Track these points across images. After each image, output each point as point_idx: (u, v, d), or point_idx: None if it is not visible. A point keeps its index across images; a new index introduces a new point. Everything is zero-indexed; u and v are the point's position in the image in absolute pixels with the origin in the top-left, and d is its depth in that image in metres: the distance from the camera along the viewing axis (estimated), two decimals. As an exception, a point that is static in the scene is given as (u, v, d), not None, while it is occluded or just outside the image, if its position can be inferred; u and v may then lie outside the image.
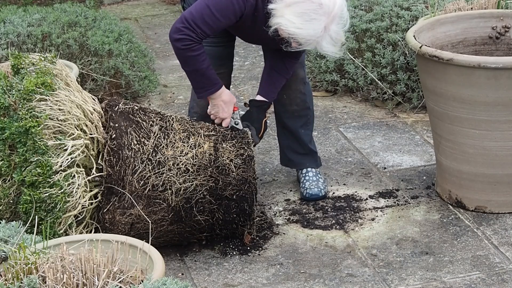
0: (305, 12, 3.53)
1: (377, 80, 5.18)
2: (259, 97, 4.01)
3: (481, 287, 3.47)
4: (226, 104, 3.85)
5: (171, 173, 3.60)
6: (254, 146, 3.89)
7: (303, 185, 4.20)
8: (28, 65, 3.57)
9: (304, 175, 4.23)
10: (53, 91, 3.45)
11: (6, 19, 5.45)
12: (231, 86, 5.58)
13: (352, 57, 5.26)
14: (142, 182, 3.57)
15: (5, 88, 3.47)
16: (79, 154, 3.44)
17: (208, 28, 3.64)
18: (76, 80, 3.97)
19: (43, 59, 3.61)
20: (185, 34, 3.62)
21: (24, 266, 2.66)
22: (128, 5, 7.78)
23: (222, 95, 3.84)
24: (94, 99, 3.68)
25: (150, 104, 5.39)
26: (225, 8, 3.65)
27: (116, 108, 3.68)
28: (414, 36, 3.97)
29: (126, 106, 3.71)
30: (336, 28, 3.59)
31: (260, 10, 3.66)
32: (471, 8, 4.62)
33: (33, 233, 2.91)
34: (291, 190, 4.29)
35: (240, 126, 3.88)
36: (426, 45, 3.88)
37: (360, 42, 5.28)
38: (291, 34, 3.55)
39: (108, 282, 2.63)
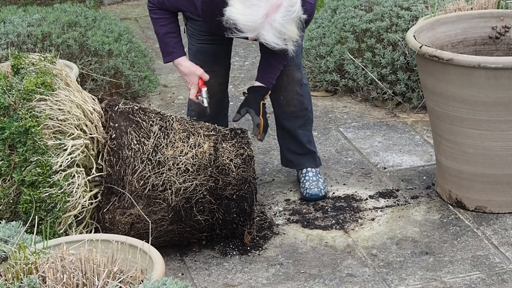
0: None
1: (377, 80, 5.18)
2: (256, 83, 4.01)
3: (481, 287, 3.47)
4: (187, 76, 3.98)
5: (171, 173, 3.60)
6: (258, 126, 3.97)
7: (303, 185, 4.20)
8: (28, 65, 3.57)
9: (304, 175, 4.23)
10: (53, 91, 3.45)
11: (6, 19, 5.45)
12: (231, 86, 5.60)
13: (352, 57, 5.26)
14: (142, 182, 3.57)
15: (5, 88, 3.47)
16: (79, 154, 3.44)
17: (166, 1, 3.87)
18: (76, 80, 3.97)
19: (43, 59, 3.61)
20: None
21: (24, 266, 2.66)
22: (128, 5, 7.78)
23: (179, 66, 3.97)
24: (94, 99, 3.68)
25: (150, 104, 5.39)
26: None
27: (116, 108, 3.68)
28: (414, 36, 3.97)
29: (126, 106, 3.71)
30: (280, 19, 3.53)
31: (220, 5, 3.66)
32: (471, 8, 4.62)
33: (33, 233, 2.91)
34: (291, 190, 4.29)
35: (205, 104, 3.95)
36: (426, 45, 3.88)
37: (360, 42, 5.28)
38: (233, 20, 3.54)
39: (108, 282, 2.63)
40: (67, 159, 3.39)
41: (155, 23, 3.95)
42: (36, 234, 2.91)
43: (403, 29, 5.14)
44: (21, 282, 2.61)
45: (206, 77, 3.95)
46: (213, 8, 3.69)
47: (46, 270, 2.63)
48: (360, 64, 5.23)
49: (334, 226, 3.96)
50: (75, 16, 5.50)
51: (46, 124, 3.38)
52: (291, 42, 3.64)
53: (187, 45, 4.15)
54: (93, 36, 5.32)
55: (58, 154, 3.38)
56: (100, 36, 5.32)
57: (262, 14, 3.52)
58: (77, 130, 3.47)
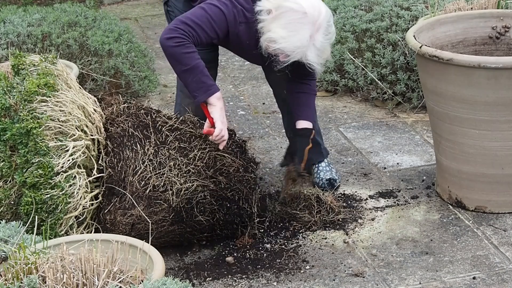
0: (290, 23, 3.56)
1: (377, 80, 5.18)
2: (301, 123, 3.93)
3: (481, 287, 3.47)
4: (223, 110, 3.66)
5: (172, 173, 3.60)
6: (299, 176, 3.88)
7: (317, 175, 4.22)
8: (29, 65, 3.57)
9: (317, 166, 4.26)
10: (56, 92, 3.44)
11: (6, 19, 5.46)
12: (230, 86, 5.60)
13: (352, 57, 5.26)
14: (143, 183, 3.56)
15: (5, 89, 3.47)
16: (80, 155, 3.44)
17: (201, 32, 3.61)
18: (76, 80, 3.97)
19: (43, 59, 3.61)
20: (178, 33, 3.58)
21: (24, 266, 2.66)
22: (128, 5, 7.78)
23: (220, 101, 3.66)
24: (94, 100, 3.68)
25: (150, 104, 5.39)
26: (220, 19, 3.65)
27: (117, 108, 3.68)
28: (414, 36, 3.97)
29: (127, 106, 3.71)
30: (321, 39, 3.61)
31: (253, 34, 3.69)
32: (471, 8, 4.62)
33: (33, 233, 2.91)
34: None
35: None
36: (426, 45, 3.88)
37: (360, 42, 5.28)
38: (278, 47, 3.57)
39: (108, 282, 2.64)
40: (68, 160, 3.39)
41: (190, 57, 3.58)
42: (36, 235, 2.91)
43: (403, 29, 5.14)
44: (21, 282, 2.61)
45: None
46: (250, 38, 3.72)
47: (46, 270, 2.63)
48: (360, 64, 5.23)
49: (334, 226, 3.96)
50: (75, 16, 5.51)
51: (48, 126, 3.38)
52: (324, 61, 3.70)
53: None
54: (93, 36, 5.32)
55: (60, 155, 3.38)
56: (100, 36, 5.32)
57: (308, 36, 3.57)
58: (78, 131, 3.47)
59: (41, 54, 3.81)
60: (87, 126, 3.52)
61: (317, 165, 4.28)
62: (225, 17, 3.64)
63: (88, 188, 3.49)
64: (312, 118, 3.98)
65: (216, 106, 3.63)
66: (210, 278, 3.61)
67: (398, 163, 4.52)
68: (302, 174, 3.91)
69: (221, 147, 3.66)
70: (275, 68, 3.70)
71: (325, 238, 3.87)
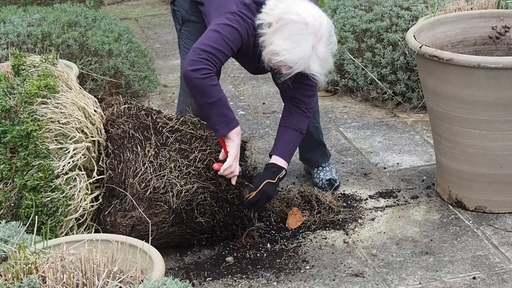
0: (292, 34, 3.55)
1: (377, 80, 5.18)
2: (276, 159, 3.88)
3: (481, 287, 3.47)
4: (239, 147, 3.65)
5: (172, 175, 3.59)
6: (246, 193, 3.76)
7: (317, 175, 4.23)
8: (29, 66, 3.57)
9: (317, 166, 4.28)
10: (56, 93, 3.44)
11: (6, 19, 5.46)
12: (230, 86, 5.60)
13: (352, 57, 5.26)
14: (143, 185, 3.56)
15: (6, 90, 3.46)
16: (80, 157, 3.44)
17: (222, 55, 3.59)
18: (76, 80, 3.97)
19: (44, 60, 3.61)
20: (203, 63, 3.51)
21: (24, 266, 2.66)
22: (128, 5, 7.78)
23: (239, 136, 3.65)
24: (95, 101, 3.68)
25: (150, 104, 5.39)
26: (235, 37, 3.63)
27: (118, 109, 3.68)
28: (414, 36, 3.97)
29: (128, 107, 3.71)
30: (324, 49, 3.59)
31: (257, 46, 3.69)
32: (471, 8, 4.62)
33: (33, 233, 2.91)
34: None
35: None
36: (426, 45, 3.88)
37: (360, 42, 5.28)
38: (281, 59, 3.57)
39: (108, 282, 2.64)
40: (68, 162, 3.38)
41: (215, 90, 3.55)
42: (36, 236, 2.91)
43: (403, 29, 5.14)
44: (21, 282, 2.61)
45: None
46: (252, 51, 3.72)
47: (46, 270, 2.63)
48: (360, 64, 5.23)
49: (334, 226, 3.96)
50: (75, 16, 5.51)
51: (48, 128, 3.37)
52: (327, 72, 3.70)
53: (181, 52, 4.11)
54: (93, 36, 5.32)
55: (60, 157, 3.38)
56: (100, 36, 5.32)
57: (310, 47, 3.56)
58: (79, 132, 3.46)
59: (41, 54, 3.81)
60: (87, 128, 3.52)
61: (317, 166, 4.28)
62: (240, 34, 3.63)
63: (88, 190, 3.48)
64: (289, 159, 3.91)
65: (234, 142, 3.63)
66: (210, 278, 3.61)
67: (398, 163, 4.52)
68: (246, 201, 3.73)
69: (233, 181, 3.65)
70: (278, 81, 3.71)
71: (325, 238, 3.87)
